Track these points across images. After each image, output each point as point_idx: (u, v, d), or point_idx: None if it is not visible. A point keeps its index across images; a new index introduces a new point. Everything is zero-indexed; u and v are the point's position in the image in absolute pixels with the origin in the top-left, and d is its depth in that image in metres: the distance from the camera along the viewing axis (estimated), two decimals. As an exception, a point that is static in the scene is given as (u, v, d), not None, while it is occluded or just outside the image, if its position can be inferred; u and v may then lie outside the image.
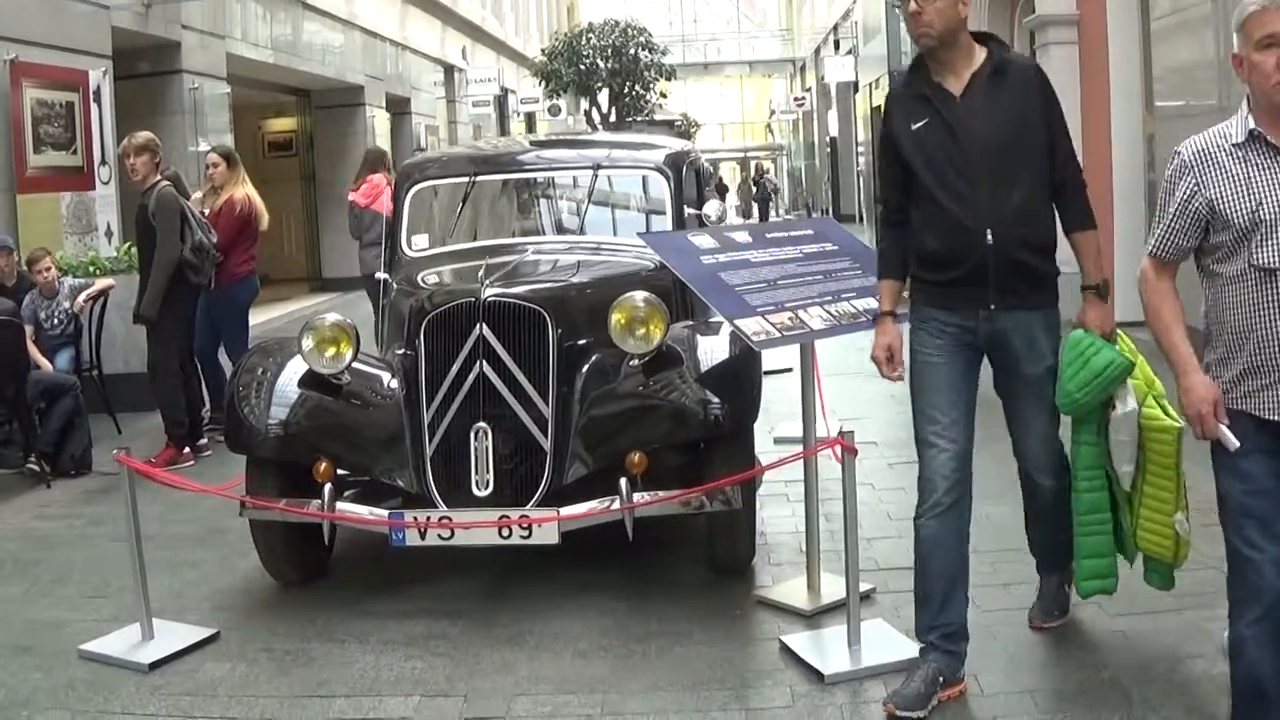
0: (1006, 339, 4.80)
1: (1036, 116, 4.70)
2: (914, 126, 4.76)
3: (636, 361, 6.07)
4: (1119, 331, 4.88)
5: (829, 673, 5.00)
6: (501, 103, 37.23)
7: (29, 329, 9.61)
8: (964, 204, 4.66)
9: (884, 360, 5.14)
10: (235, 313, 10.11)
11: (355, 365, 6.26)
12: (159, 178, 9.22)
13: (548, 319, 6.12)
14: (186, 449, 9.37)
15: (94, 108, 13.24)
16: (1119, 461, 4.82)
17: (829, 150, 43.14)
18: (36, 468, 8.97)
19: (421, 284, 6.91)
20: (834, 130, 41.25)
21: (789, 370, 8.01)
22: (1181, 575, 5.82)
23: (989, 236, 4.62)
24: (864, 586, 5.49)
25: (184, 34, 16.08)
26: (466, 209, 7.98)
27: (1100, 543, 5.03)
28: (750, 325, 5.30)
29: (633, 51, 41.55)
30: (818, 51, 45.90)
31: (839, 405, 9.32)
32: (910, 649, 5.11)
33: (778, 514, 7.15)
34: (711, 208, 8.17)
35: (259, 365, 6.42)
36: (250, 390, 6.23)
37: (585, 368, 6.23)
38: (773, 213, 48.99)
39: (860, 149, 34.59)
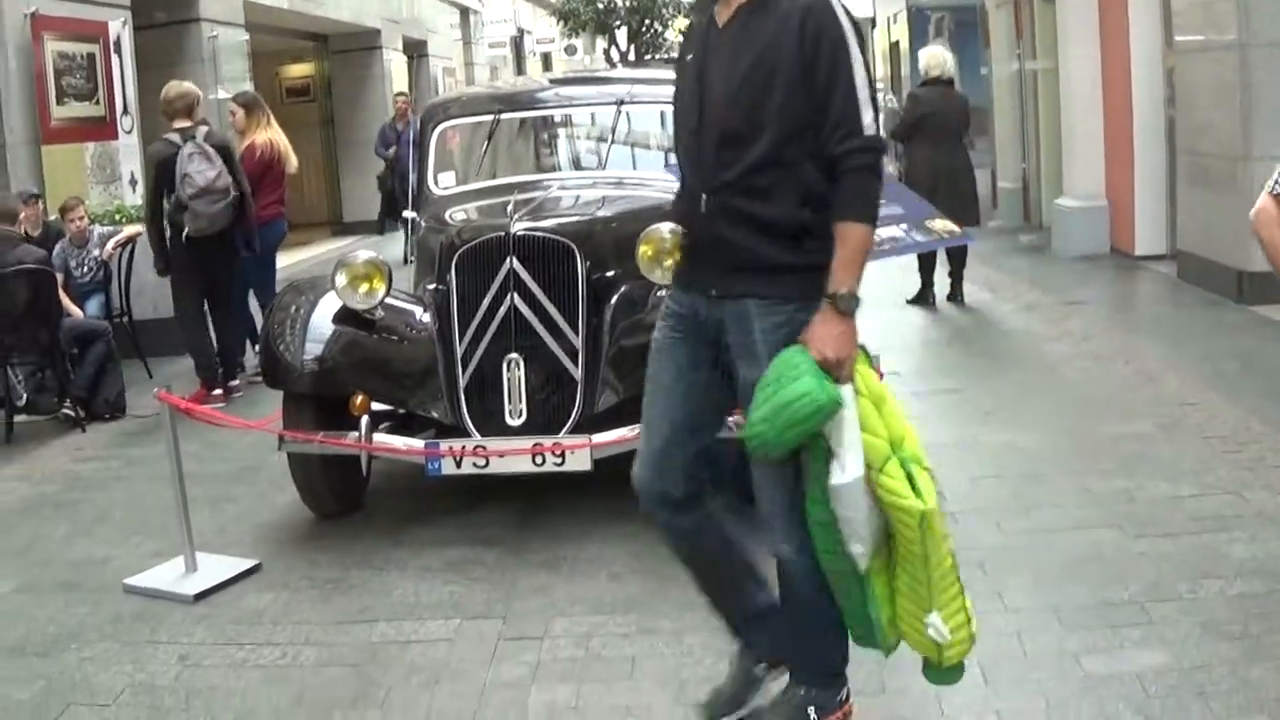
0: (724, 334, 3.93)
1: (793, 66, 3.69)
2: (686, 60, 4.05)
3: (664, 291, 6.15)
4: (861, 366, 3.74)
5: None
6: (518, 43, 37.18)
7: (59, 277, 9.72)
8: (690, 162, 4.00)
9: None
10: (262, 256, 10.17)
11: (388, 301, 6.36)
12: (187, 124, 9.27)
13: (576, 251, 6.21)
14: (218, 390, 9.48)
15: (114, 58, 13.28)
16: (847, 538, 3.67)
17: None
18: (72, 413, 9.10)
19: (450, 220, 7.00)
20: (853, 67, 40.96)
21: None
22: (1201, 500, 5.95)
23: (703, 205, 3.87)
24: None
25: (203, -19, 16.11)
26: (491, 147, 8.05)
27: (854, 606, 3.89)
28: (776, 254, 5.36)
29: (650, -12, 41.37)
30: (834, -13, 45.57)
31: (862, 337, 9.41)
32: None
33: (805, 441, 7.24)
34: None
35: (293, 303, 6.52)
36: (286, 327, 6.33)
37: (614, 299, 6.32)
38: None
39: (880, 85, 34.41)
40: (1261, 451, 6.70)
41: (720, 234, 3.83)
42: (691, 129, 3.91)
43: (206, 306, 9.61)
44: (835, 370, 3.59)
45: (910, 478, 3.58)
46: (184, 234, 9.16)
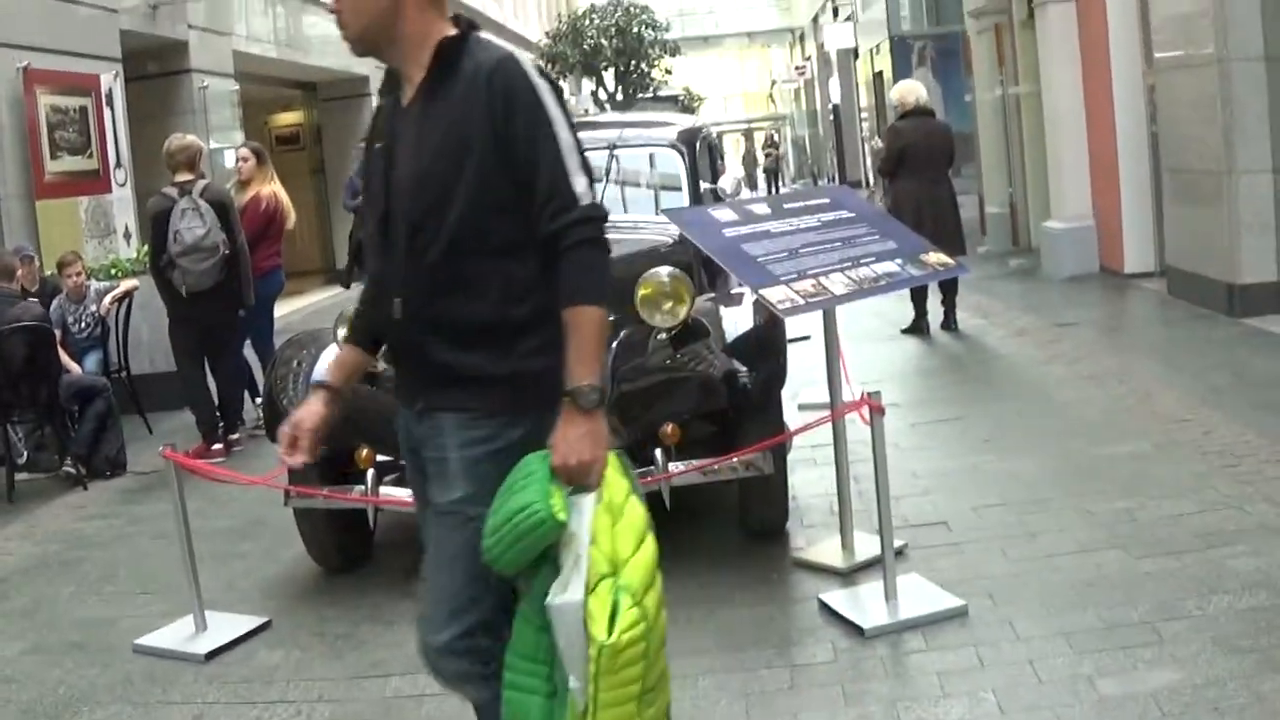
0: (422, 452, 3.46)
1: (485, 137, 3.22)
2: (373, 147, 3.50)
3: (664, 335, 6.19)
4: (612, 473, 3.26)
5: (869, 627, 5.13)
6: (503, 86, 37.27)
7: (57, 333, 9.75)
8: (380, 261, 3.45)
9: (285, 438, 3.54)
10: (260, 306, 10.20)
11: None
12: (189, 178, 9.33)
13: (574, 297, 6.22)
14: (218, 445, 9.50)
15: (107, 111, 13.37)
16: (568, 670, 3.15)
17: (832, 118, 43.13)
18: (73, 470, 9.11)
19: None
20: (836, 97, 41.26)
21: (807, 338, 8.14)
22: (1204, 516, 6.00)
23: (396, 309, 3.35)
24: (896, 543, 5.60)
25: (190, 33, 16.18)
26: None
27: None
28: (775, 294, 5.41)
29: (636, 30, 41.62)
30: (816, 19, 45.90)
31: (857, 369, 9.47)
32: (947, 600, 5.28)
33: (807, 477, 7.28)
34: (727, 181, 8.31)
35: (294, 357, 6.54)
36: (288, 381, 6.36)
37: (614, 343, 6.33)
38: (782, 184, 48.67)
39: (864, 115, 34.64)
40: (1259, 464, 6.74)
41: (417, 341, 3.34)
42: (379, 222, 3.39)
43: (206, 361, 9.63)
44: (579, 477, 3.14)
45: (615, 607, 3.09)
46: (180, 289, 9.20)
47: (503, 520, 3.09)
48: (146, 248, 10.21)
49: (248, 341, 10.33)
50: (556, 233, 3.18)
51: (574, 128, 3.28)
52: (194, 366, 9.56)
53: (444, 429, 3.32)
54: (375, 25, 3.36)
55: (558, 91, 3.30)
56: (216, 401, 9.71)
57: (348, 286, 17.72)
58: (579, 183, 3.21)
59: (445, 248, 3.24)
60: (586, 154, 3.30)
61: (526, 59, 3.31)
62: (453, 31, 3.34)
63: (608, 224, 3.26)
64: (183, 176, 9.27)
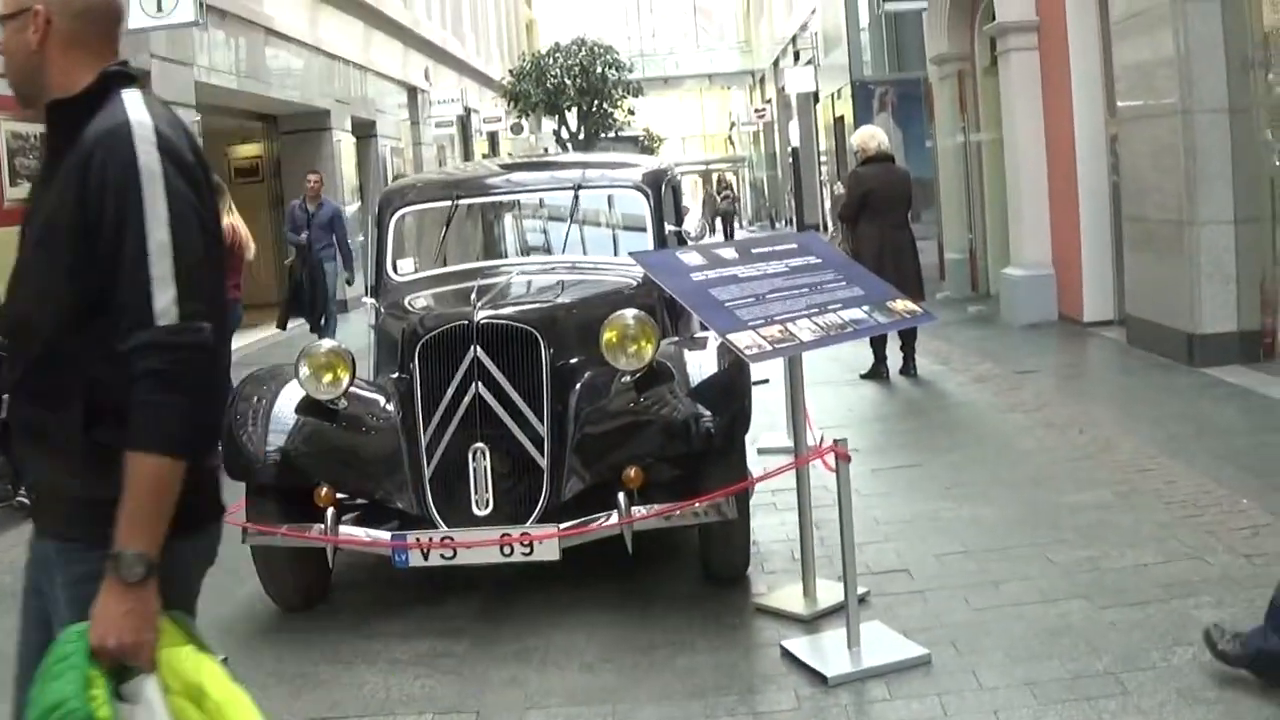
0: (35, 575, 2.94)
1: (74, 224, 2.70)
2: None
3: (628, 378, 6.18)
4: (174, 651, 2.66)
5: (832, 675, 5.10)
6: (465, 123, 37.38)
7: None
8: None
9: None
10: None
11: (352, 390, 6.35)
12: None
13: (540, 339, 6.22)
14: None
15: (67, 139, 13.27)
16: None
17: (791, 161, 43.30)
18: (26, 500, 9.00)
19: (410, 308, 7.02)
20: (795, 141, 41.43)
21: (766, 381, 8.15)
22: (1167, 566, 6.02)
23: (4, 407, 2.93)
24: (859, 590, 5.58)
25: (153, 62, 16.08)
26: (450, 233, 8.08)
27: None
28: (742, 339, 5.41)
29: (600, 69, 41.87)
30: (777, 63, 46.11)
31: (817, 414, 9.47)
32: (910, 648, 5.26)
33: (767, 522, 7.25)
34: (691, 223, 8.31)
35: (254, 393, 6.48)
36: (248, 417, 6.30)
37: (578, 385, 6.33)
38: (736, 227, 48.69)
39: (823, 159, 34.80)
40: (1220, 514, 6.76)
41: (21, 452, 2.89)
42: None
43: None
44: (124, 660, 2.59)
45: None
46: None
47: (37, 712, 2.54)
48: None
49: None
50: (129, 355, 2.63)
51: (189, 224, 2.72)
52: None
53: (50, 559, 2.81)
54: (25, 75, 2.90)
55: (187, 172, 2.78)
56: None
57: (283, 327, 16.16)
58: (161, 297, 2.64)
59: (41, 349, 2.76)
60: (193, 265, 2.70)
61: (148, 130, 2.75)
62: (88, 83, 2.85)
63: (197, 354, 2.68)
64: None
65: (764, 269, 6.05)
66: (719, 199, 50.90)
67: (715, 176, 60.08)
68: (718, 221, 47.64)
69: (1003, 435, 9.28)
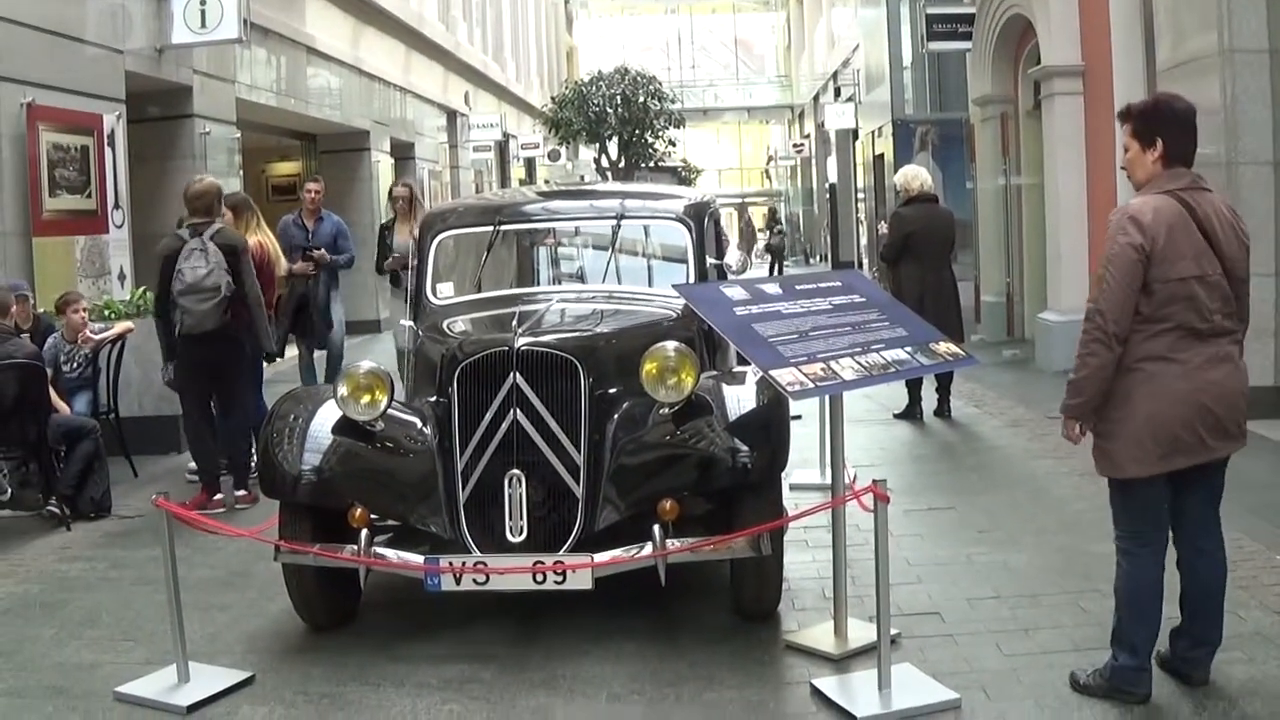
0: None
1: None
2: None
3: (666, 410, 6.16)
4: None
5: (861, 715, 5.08)
6: (503, 148, 37.48)
7: (49, 372, 9.69)
8: None
9: None
10: (252, 357, 10.09)
11: (389, 412, 6.35)
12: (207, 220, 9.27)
13: (579, 368, 6.23)
14: (219, 495, 9.37)
15: (108, 151, 13.34)
16: None
17: (828, 197, 43.30)
18: (57, 510, 9.03)
19: (450, 332, 7.03)
20: (833, 177, 41.42)
21: (799, 418, 8.13)
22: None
23: None
24: (890, 631, 5.56)
25: (195, 78, 16.20)
26: (490, 258, 8.08)
27: None
28: (784, 376, 5.41)
29: (642, 99, 41.96)
30: (817, 98, 46.10)
31: (850, 452, 9.44)
32: (940, 692, 5.22)
33: (799, 559, 7.22)
34: (733, 257, 8.30)
35: (291, 411, 6.51)
36: (284, 436, 6.32)
37: (616, 415, 6.32)
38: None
39: (860, 195, 34.78)
40: (1255, 570, 6.72)
41: None
42: None
43: (216, 410, 9.53)
44: None
45: None
46: (178, 331, 9.12)
47: None
48: (143, 290, 10.10)
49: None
50: None
51: None
52: (196, 413, 9.46)
53: None
54: None
55: None
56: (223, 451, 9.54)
57: (276, 359, 11.62)
58: None
59: None
60: None
61: None
62: None
63: None
64: (199, 219, 9.22)
65: (808, 305, 6.05)
66: (771, 233, 48.43)
67: (768, 208, 59.24)
68: (758, 255, 46.12)
69: (1035, 481, 9.24)
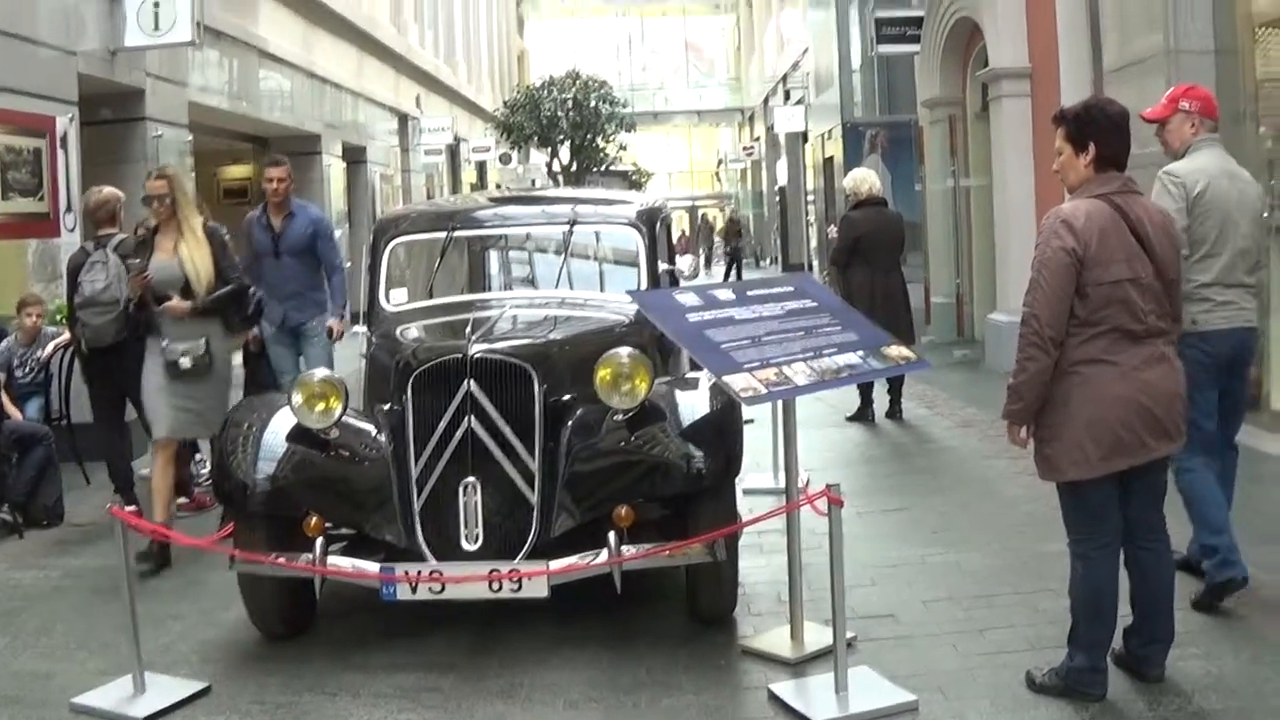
0: None
1: None
2: None
3: (620, 416, 6.18)
4: None
5: (819, 719, 5.11)
6: (454, 151, 37.40)
7: (1, 376, 9.61)
8: None
9: None
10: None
11: (344, 420, 6.34)
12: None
13: (533, 375, 6.23)
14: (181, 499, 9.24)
15: (60, 154, 13.22)
16: None
17: (778, 199, 43.39)
18: (9, 518, 8.96)
19: (403, 339, 7.02)
20: (783, 179, 41.51)
21: (751, 422, 8.16)
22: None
23: None
24: (846, 634, 5.59)
25: (147, 81, 16.09)
26: (444, 264, 8.08)
27: None
28: (738, 381, 5.43)
29: (593, 104, 41.97)
30: (766, 101, 46.20)
31: (803, 455, 9.44)
32: (897, 694, 5.27)
33: (753, 564, 7.25)
34: (685, 263, 8.32)
35: (245, 419, 6.49)
36: (238, 444, 6.30)
37: (570, 422, 6.32)
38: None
39: (811, 198, 34.88)
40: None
41: None
42: None
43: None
44: None
45: None
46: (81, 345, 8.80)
47: None
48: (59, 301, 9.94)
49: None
50: None
51: None
52: (104, 424, 9.10)
53: None
54: None
55: None
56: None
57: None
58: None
59: None
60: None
61: None
62: None
63: None
64: (106, 230, 8.93)
65: (760, 311, 6.06)
66: (729, 237, 44.23)
67: (728, 212, 58.83)
68: (722, 255, 44.82)
69: (987, 481, 9.31)
